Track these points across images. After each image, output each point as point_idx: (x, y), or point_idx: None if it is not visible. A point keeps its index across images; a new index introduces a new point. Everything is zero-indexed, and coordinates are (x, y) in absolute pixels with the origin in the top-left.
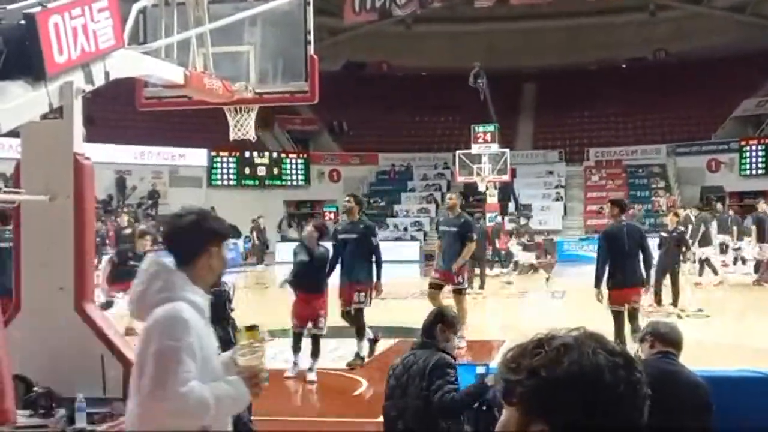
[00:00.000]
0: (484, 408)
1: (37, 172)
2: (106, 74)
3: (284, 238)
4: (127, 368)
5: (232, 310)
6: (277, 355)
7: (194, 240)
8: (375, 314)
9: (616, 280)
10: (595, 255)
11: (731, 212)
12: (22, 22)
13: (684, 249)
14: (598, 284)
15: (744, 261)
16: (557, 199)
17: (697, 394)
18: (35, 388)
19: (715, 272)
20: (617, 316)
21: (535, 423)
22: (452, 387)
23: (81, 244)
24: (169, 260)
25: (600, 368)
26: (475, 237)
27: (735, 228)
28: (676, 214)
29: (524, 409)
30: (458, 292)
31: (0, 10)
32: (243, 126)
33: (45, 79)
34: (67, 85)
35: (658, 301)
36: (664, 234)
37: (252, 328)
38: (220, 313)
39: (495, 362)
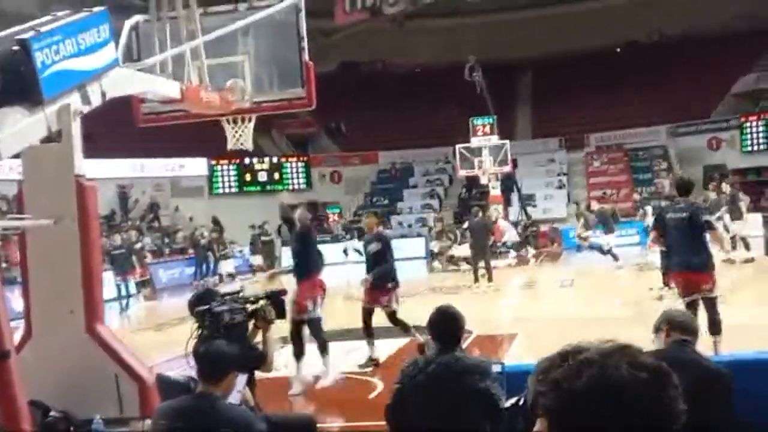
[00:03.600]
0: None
1: (40, 196)
2: (103, 94)
3: (285, 243)
4: (142, 386)
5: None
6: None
7: None
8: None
9: None
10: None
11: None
12: (16, 48)
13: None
14: None
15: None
16: (560, 187)
17: (718, 382)
18: (52, 413)
19: (747, 247)
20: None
21: None
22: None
23: (88, 265)
24: None
25: (622, 383)
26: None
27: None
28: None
29: (549, 420)
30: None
31: None
32: (242, 136)
33: (42, 104)
34: (64, 107)
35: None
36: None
37: None
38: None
39: (509, 359)
